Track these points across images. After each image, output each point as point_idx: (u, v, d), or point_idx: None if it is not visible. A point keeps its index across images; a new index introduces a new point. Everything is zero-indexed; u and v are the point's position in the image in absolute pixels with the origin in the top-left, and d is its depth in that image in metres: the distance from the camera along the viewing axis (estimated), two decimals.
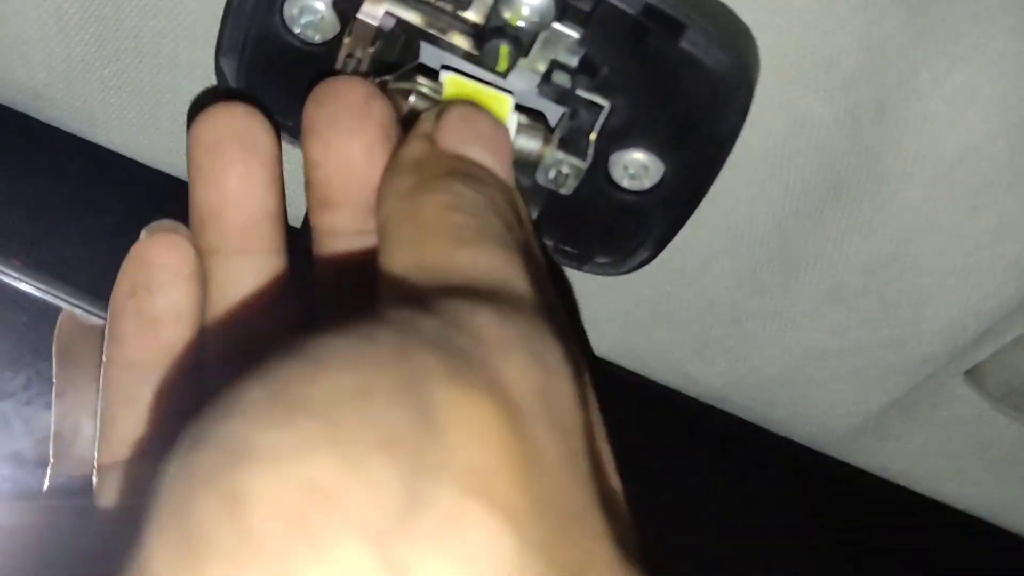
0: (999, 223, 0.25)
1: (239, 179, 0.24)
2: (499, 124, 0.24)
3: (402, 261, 0.20)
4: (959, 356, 0.31)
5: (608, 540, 0.17)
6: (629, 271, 0.31)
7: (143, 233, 0.26)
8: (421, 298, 0.17)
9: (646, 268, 0.32)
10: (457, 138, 0.22)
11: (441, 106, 0.24)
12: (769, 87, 0.26)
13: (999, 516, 0.37)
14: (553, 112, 0.27)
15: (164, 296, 0.25)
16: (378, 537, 0.13)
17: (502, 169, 0.22)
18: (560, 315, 0.26)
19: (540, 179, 0.27)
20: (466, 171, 0.21)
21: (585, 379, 0.25)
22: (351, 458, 0.14)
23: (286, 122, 0.28)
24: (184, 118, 0.31)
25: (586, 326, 0.35)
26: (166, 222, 0.26)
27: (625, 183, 0.28)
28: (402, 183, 0.21)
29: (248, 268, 0.25)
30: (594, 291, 0.34)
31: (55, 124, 0.32)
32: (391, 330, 0.16)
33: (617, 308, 0.34)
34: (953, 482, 0.36)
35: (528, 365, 0.17)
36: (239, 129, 0.24)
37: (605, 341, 0.36)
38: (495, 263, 0.19)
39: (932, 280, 0.27)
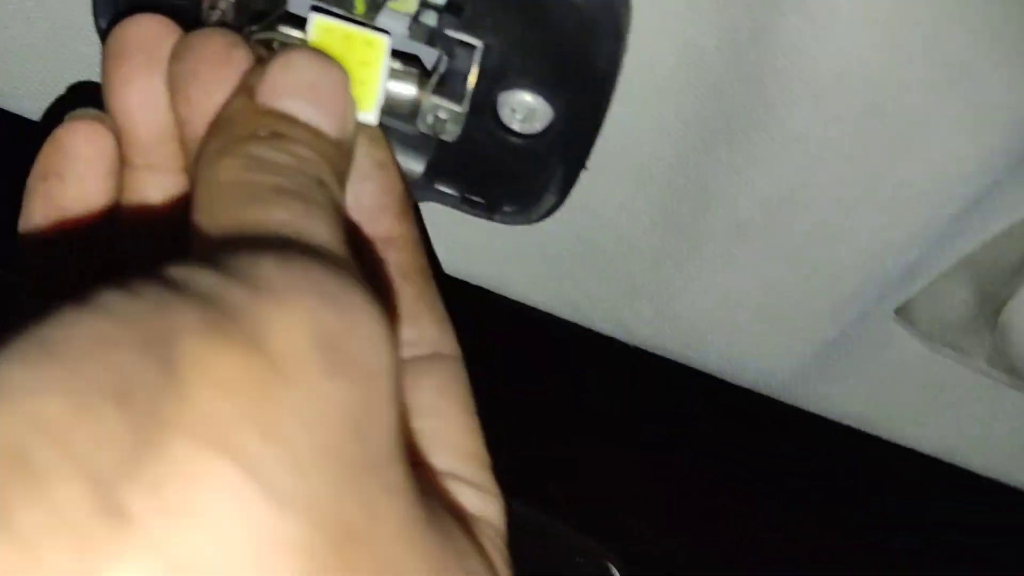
0: (892, 147, 0.24)
1: (141, 91, 0.24)
2: (331, 72, 0.22)
3: (200, 224, 0.19)
4: (889, 293, 0.29)
5: (405, 495, 0.17)
6: (540, 219, 0.30)
7: (65, 118, 0.25)
8: (208, 254, 0.17)
9: (568, 216, 0.31)
10: (274, 91, 0.21)
11: (272, 55, 0.23)
12: (648, 15, 0.25)
13: (959, 457, 0.35)
14: (430, 56, 0.27)
15: (75, 186, 0.24)
16: (99, 480, 0.13)
17: (327, 120, 0.21)
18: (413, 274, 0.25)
19: (421, 126, 0.26)
20: (273, 129, 0.20)
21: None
22: (82, 402, 0.14)
23: None
24: (90, 83, 0.31)
25: (522, 279, 0.34)
26: (91, 110, 0.25)
27: (516, 126, 0.27)
28: (210, 145, 0.21)
29: (154, 184, 0.25)
30: (524, 243, 0.33)
31: None
32: (158, 285, 0.16)
33: (547, 259, 0.33)
34: (911, 425, 0.35)
35: (313, 309, 0.16)
36: (146, 40, 0.24)
37: (543, 292, 0.35)
38: (289, 216, 0.19)
39: (837, 212, 0.26)
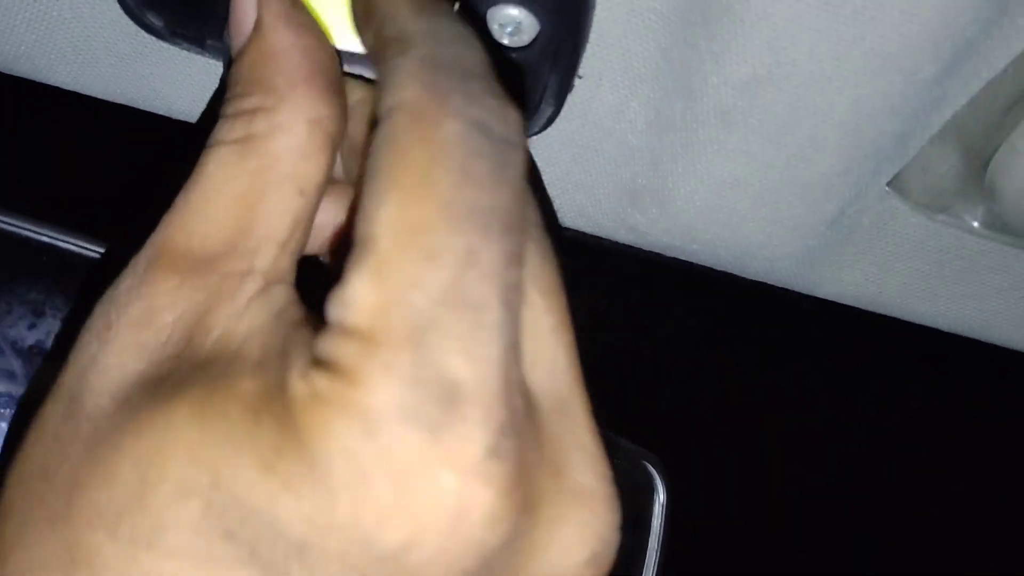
0: (855, 18, 0.25)
1: None
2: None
3: None
4: (880, 167, 0.30)
5: None
6: (542, 129, 0.31)
7: None
8: None
9: (569, 126, 0.33)
10: None
11: None
12: None
13: (970, 328, 0.36)
14: None
15: None
16: None
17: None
18: None
19: None
20: None
21: None
22: None
23: (187, 32, 0.30)
24: (117, 46, 0.34)
25: None
26: None
27: (506, 40, 0.29)
28: None
29: None
30: (533, 157, 0.34)
31: (3, 70, 0.34)
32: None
33: (555, 170, 0.35)
34: (921, 301, 0.36)
35: None
36: None
37: (558, 206, 0.36)
38: None
39: (813, 88, 0.27)
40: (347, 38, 0.26)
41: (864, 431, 0.56)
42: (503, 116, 0.19)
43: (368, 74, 0.28)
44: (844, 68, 0.26)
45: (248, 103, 0.22)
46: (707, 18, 0.27)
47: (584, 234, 0.38)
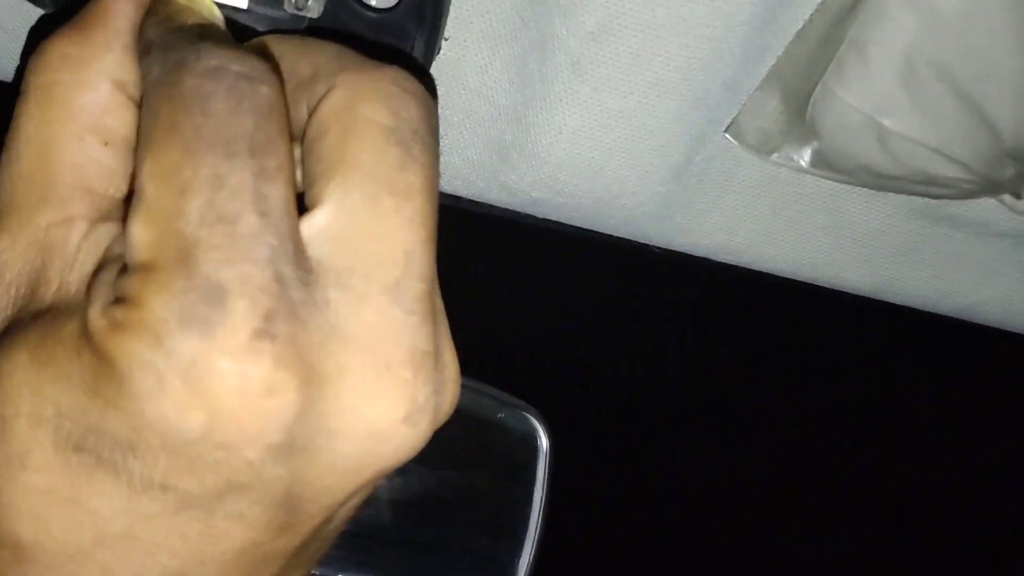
0: None
1: None
2: None
3: None
4: (717, 114, 0.34)
5: None
6: None
7: None
8: None
9: (442, 91, 0.35)
10: None
11: None
12: None
13: (809, 272, 0.40)
14: None
15: None
16: None
17: None
18: None
19: (287, 8, 0.30)
20: None
21: None
22: None
23: None
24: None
25: None
26: None
27: (374, 2, 0.31)
28: None
29: None
30: None
31: None
32: None
33: None
34: (766, 246, 0.40)
35: None
36: None
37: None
38: None
39: (648, 36, 0.30)
40: None
41: (731, 381, 0.59)
42: (238, 58, 0.22)
43: (258, 26, 0.30)
44: (673, 15, 0.30)
45: (61, 46, 0.24)
46: None
47: (462, 200, 0.41)
